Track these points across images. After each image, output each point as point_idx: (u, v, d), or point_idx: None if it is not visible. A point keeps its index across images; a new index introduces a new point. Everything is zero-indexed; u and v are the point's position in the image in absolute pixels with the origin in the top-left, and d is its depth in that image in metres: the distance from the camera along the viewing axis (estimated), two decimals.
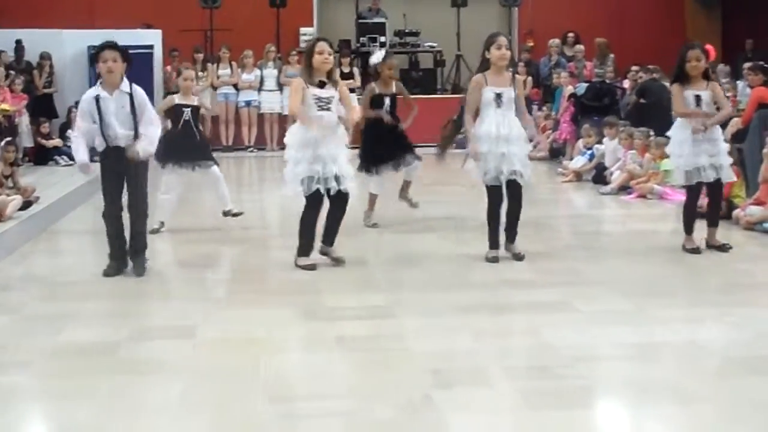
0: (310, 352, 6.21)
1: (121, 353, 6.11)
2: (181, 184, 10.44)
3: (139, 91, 8.19)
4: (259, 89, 20.14)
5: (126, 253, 8.36)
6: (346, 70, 20.03)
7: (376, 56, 10.77)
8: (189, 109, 10.40)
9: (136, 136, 8.09)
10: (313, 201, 8.31)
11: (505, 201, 8.72)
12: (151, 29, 20.78)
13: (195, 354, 6.12)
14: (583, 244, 9.39)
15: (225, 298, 7.65)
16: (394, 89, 10.60)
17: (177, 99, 10.50)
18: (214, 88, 20.00)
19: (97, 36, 18.52)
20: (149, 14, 21.15)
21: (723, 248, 9.09)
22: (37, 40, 19.57)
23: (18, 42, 19.61)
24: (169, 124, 10.32)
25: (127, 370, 5.81)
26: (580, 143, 15.59)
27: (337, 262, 8.52)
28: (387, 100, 10.47)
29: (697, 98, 8.88)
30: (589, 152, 14.91)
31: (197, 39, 20.86)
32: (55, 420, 5.14)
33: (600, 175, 14.16)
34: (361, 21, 21.74)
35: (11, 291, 7.88)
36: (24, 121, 17.56)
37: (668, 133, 9.34)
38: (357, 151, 10.16)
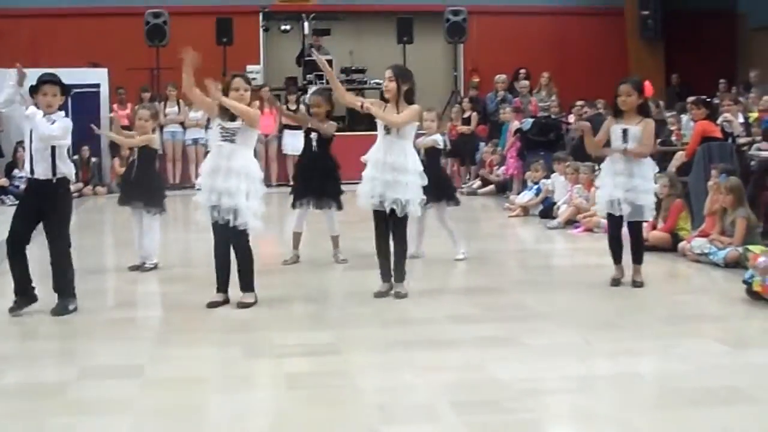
0: (258, 389, 6.19)
1: (67, 394, 6.05)
2: (135, 222, 10.43)
3: (60, 117, 8.27)
4: (206, 127, 20.08)
5: (30, 288, 8.31)
6: (293, 107, 20.05)
7: (309, 93, 10.94)
8: (137, 150, 10.37)
9: (54, 167, 8.12)
10: (215, 233, 8.41)
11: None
12: (98, 68, 20.73)
13: (143, 393, 6.07)
14: (531, 278, 9.45)
15: (170, 337, 7.60)
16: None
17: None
18: (161, 127, 19.95)
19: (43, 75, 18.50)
20: (95, 53, 21.12)
21: (635, 284, 9.15)
22: None
23: None
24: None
25: (75, 411, 5.75)
26: (528, 177, 15.71)
27: (240, 305, 8.43)
28: (314, 135, 10.46)
29: (624, 132, 8.95)
30: (536, 187, 15.03)
31: (144, 77, 20.85)
32: None
33: (547, 210, 14.27)
34: (307, 59, 21.80)
35: None
36: None
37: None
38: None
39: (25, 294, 8.28)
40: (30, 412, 5.73)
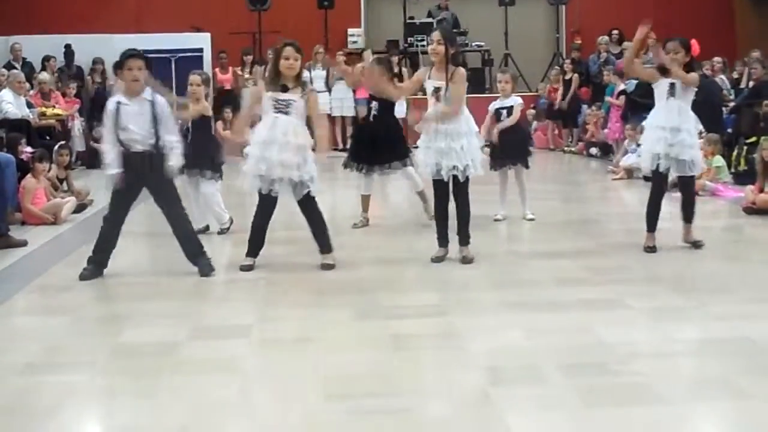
0: (366, 350, 6.23)
1: (179, 353, 6.18)
2: (192, 190, 10.44)
3: (160, 100, 8.25)
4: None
5: (106, 260, 8.44)
6: (395, 70, 20.03)
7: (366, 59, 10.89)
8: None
9: (157, 143, 8.17)
10: (262, 201, 8.46)
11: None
12: (200, 32, 20.93)
13: (252, 353, 6.17)
14: (635, 241, 9.35)
15: (278, 299, 7.68)
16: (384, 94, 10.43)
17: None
18: None
19: (147, 40, 18.78)
20: (198, 17, 21.30)
21: (696, 245, 9.03)
22: (86, 46, 19.80)
23: (67, 47, 19.83)
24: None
25: (186, 369, 5.88)
26: (626, 142, 15.51)
27: (325, 267, 8.52)
28: (375, 104, 10.45)
29: (672, 86, 8.80)
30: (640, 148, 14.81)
31: (246, 41, 21.00)
32: (116, 419, 5.20)
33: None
34: (409, 21, 21.76)
35: (69, 292, 7.97)
36: (77, 126, 17.75)
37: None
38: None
39: (101, 264, 8.44)
40: (143, 371, 5.85)
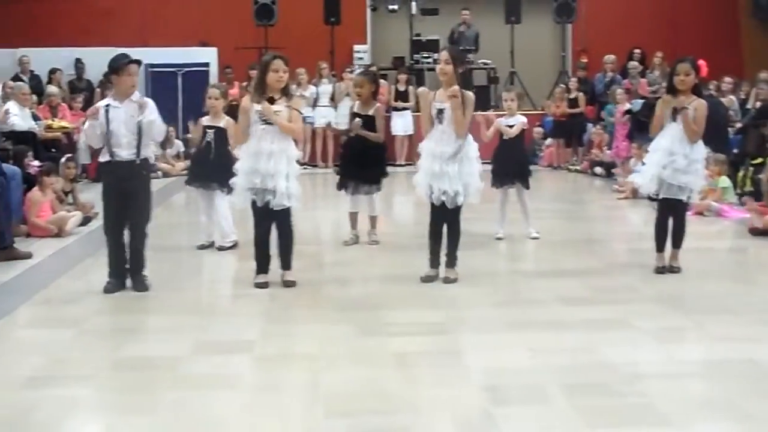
0: (368, 367, 6.22)
1: (181, 368, 6.17)
2: (204, 202, 10.45)
3: (150, 103, 8.35)
4: (314, 105, 20.12)
5: (122, 271, 8.44)
6: (402, 88, 20.08)
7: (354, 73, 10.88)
8: (213, 130, 10.26)
9: (139, 149, 8.22)
10: (258, 215, 8.43)
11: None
12: (207, 47, 20.98)
13: (254, 369, 6.17)
14: (640, 261, 9.35)
15: (280, 314, 7.68)
16: (371, 111, 10.43)
17: (205, 120, 10.35)
18: None
19: (154, 54, 18.86)
20: (204, 32, 21.36)
21: (671, 270, 8.94)
22: (94, 59, 19.84)
23: (78, 60, 19.90)
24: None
25: (188, 384, 5.87)
26: (631, 161, 15.50)
27: (286, 284, 8.50)
28: (359, 120, 10.37)
29: (674, 110, 8.75)
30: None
31: (252, 56, 21.00)
32: None
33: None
34: (415, 38, 21.79)
35: (73, 305, 7.97)
36: (83, 138, 17.74)
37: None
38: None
39: (121, 275, 8.45)
40: (144, 386, 5.85)
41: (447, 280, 8.57)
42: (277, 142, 8.24)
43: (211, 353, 6.52)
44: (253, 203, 8.35)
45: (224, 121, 10.24)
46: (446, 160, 8.35)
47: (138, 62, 8.34)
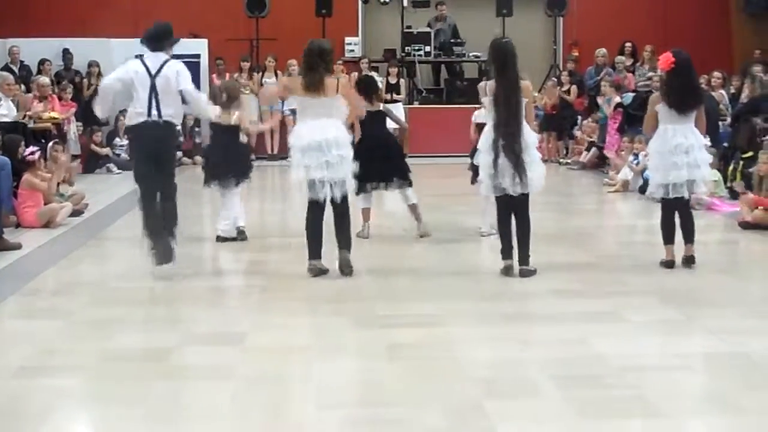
0: (361, 359, 6.22)
1: (170, 359, 6.16)
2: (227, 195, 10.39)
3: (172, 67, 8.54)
4: None
5: (160, 239, 8.43)
6: (393, 81, 20.01)
7: None
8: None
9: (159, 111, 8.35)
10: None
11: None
12: (198, 38, 20.91)
13: (245, 360, 6.15)
14: (630, 254, 9.34)
15: (272, 306, 7.67)
16: (378, 107, 10.45)
17: (215, 117, 10.17)
18: None
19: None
20: (195, 23, 21.24)
21: (689, 262, 8.86)
22: (84, 49, 19.80)
23: (65, 51, 19.83)
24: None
25: (178, 375, 5.87)
26: (623, 155, 15.47)
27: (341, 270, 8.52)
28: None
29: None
30: (636, 160, 14.78)
31: (243, 48, 20.96)
32: (106, 423, 5.19)
33: (647, 185, 14.03)
34: (406, 30, 21.74)
35: (62, 296, 7.97)
36: (72, 129, 17.71)
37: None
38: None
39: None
40: (135, 376, 5.84)
41: (524, 273, 8.46)
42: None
43: (202, 344, 6.52)
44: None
45: (235, 117, 10.25)
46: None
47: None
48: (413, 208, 10.43)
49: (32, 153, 11.60)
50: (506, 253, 8.57)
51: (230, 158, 10.19)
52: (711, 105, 13.93)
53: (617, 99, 17.38)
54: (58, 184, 12.29)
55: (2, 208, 10.31)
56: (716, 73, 17.01)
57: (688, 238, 8.87)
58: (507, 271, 8.49)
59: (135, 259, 8.67)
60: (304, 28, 20.90)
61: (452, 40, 21.33)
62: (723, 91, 16.95)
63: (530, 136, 8.45)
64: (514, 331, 6.73)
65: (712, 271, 8.81)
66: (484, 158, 8.44)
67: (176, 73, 8.38)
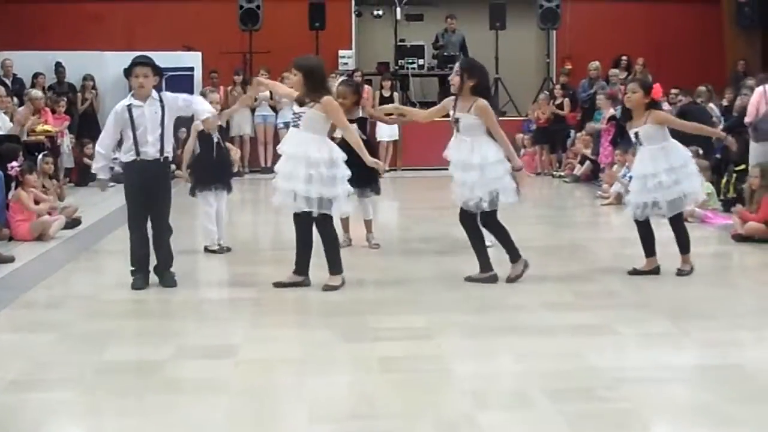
0: (352, 372, 6.21)
1: (164, 372, 6.15)
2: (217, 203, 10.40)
3: (168, 96, 8.53)
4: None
5: (148, 264, 8.60)
6: (387, 94, 20.04)
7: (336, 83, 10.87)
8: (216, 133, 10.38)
9: (162, 147, 8.38)
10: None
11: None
12: (192, 51, 20.95)
13: (237, 374, 6.14)
14: (623, 266, 9.35)
15: (265, 319, 7.66)
16: (360, 114, 10.55)
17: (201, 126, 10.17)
18: (253, 111, 19.99)
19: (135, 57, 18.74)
20: (189, 36, 21.31)
21: (682, 273, 9.00)
22: (78, 62, 19.84)
23: (58, 64, 19.84)
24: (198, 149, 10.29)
25: (170, 388, 5.85)
26: (614, 168, 15.49)
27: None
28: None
29: (636, 135, 8.89)
30: (629, 174, 14.78)
31: (237, 61, 21.01)
32: None
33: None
34: (400, 43, 21.79)
35: (56, 309, 7.95)
36: (65, 142, 17.70)
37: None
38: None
39: (146, 270, 8.63)
40: (128, 389, 5.82)
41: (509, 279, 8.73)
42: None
43: (195, 357, 6.50)
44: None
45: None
46: (463, 167, 8.47)
47: (143, 63, 8.45)
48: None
49: (12, 168, 11.58)
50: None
51: (220, 166, 10.31)
52: (703, 117, 13.98)
53: (611, 111, 17.42)
54: (47, 191, 12.29)
55: None
56: (701, 88, 17.03)
57: (683, 249, 8.93)
58: (489, 279, 8.73)
59: (128, 273, 8.65)
60: (298, 42, 20.96)
61: (455, 54, 21.29)
62: (712, 104, 16.99)
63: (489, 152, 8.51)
64: (507, 344, 6.72)
65: (705, 284, 8.83)
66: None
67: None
